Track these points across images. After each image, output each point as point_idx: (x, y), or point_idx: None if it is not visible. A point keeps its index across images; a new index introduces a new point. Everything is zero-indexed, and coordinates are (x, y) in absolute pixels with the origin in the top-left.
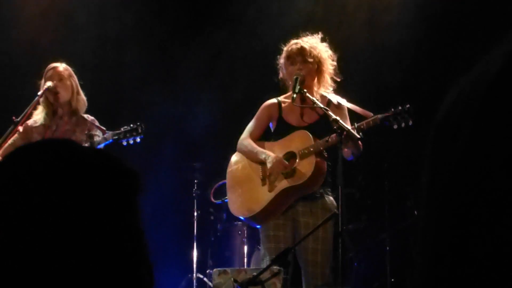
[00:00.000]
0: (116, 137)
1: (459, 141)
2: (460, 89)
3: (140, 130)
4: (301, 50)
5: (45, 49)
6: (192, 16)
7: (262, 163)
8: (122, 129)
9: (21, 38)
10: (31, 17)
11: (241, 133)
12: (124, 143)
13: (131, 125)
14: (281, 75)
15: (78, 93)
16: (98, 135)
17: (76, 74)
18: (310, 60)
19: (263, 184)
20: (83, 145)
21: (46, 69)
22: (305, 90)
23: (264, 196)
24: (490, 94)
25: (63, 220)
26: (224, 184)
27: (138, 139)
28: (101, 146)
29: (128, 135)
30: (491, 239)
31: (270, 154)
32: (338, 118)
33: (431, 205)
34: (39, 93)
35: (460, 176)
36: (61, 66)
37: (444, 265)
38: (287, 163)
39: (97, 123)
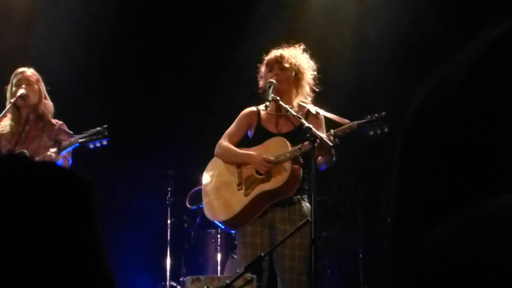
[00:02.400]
0: (82, 140)
1: (429, 143)
2: (430, 89)
3: (106, 133)
4: (280, 57)
5: (7, 54)
6: (171, 22)
7: (239, 167)
8: (88, 132)
9: None
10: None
11: (216, 140)
12: (91, 146)
13: (97, 128)
14: (261, 83)
15: (45, 97)
16: (64, 140)
17: (44, 79)
18: (287, 66)
19: (239, 189)
20: (50, 149)
21: (14, 73)
22: (278, 98)
23: (240, 200)
24: (462, 94)
25: (13, 236)
26: (200, 190)
27: (104, 142)
28: (69, 150)
29: (94, 137)
30: (457, 250)
31: (253, 153)
32: (311, 126)
33: (400, 209)
34: (12, 100)
35: (430, 179)
36: (29, 71)
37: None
38: (271, 159)
39: (65, 128)
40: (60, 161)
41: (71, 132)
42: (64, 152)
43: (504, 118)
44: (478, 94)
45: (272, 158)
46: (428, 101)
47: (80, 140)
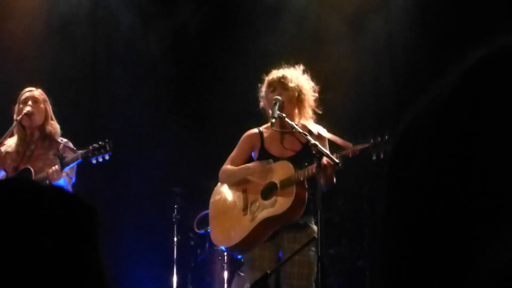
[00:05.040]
0: (85, 155)
1: (413, 165)
2: (417, 110)
3: (108, 148)
4: (282, 78)
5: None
6: (176, 43)
7: (244, 192)
8: (90, 147)
9: None
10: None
11: (222, 156)
12: (94, 161)
13: (99, 143)
14: (262, 104)
15: (51, 118)
16: (68, 156)
17: (51, 98)
18: (291, 86)
19: (244, 214)
20: (53, 167)
21: (21, 93)
22: (284, 115)
23: (245, 226)
24: (443, 115)
25: (19, 261)
26: (207, 214)
27: (107, 157)
28: (72, 165)
29: (96, 152)
30: (445, 266)
31: (252, 166)
32: (316, 142)
33: (387, 230)
34: (18, 117)
35: (413, 205)
36: (36, 91)
37: None
38: (269, 167)
39: (70, 145)
40: (63, 179)
41: (75, 149)
42: (67, 168)
43: (485, 136)
44: (459, 116)
45: (269, 160)
46: (414, 122)
47: (83, 156)
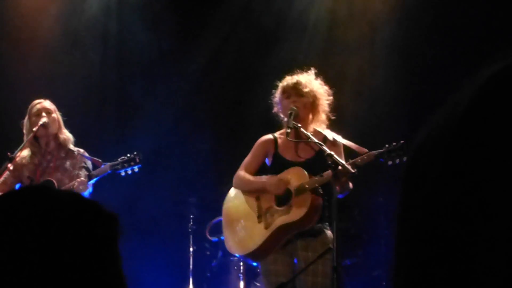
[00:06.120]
0: (114, 168)
1: (429, 178)
2: (432, 124)
3: (137, 160)
4: (297, 84)
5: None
6: (179, 46)
7: (258, 198)
8: (119, 159)
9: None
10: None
11: (237, 167)
12: (123, 173)
13: (128, 155)
14: (275, 109)
15: (63, 127)
16: (89, 167)
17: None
18: (306, 92)
19: (259, 221)
20: (78, 178)
21: (31, 105)
22: (299, 125)
23: (260, 233)
24: (460, 129)
25: (41, 269)
26: (220, 221)
27: (136, 169)
28: (100, 177)
29: (126, 165)
30: (459, 278)
31: (268, 179)
32: (332, 152)
33: (402, 239)
34: (34, 129)
35: (429, 214)
36: (45, 102)
37: None
38: (286, 179)
39: (86, 154)
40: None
41: (100, 160)
42: (94, 181)
43: (499, 149)
44: (475, 130)
45: (286, 179)
46: (430, 136)
47: (112, 168)
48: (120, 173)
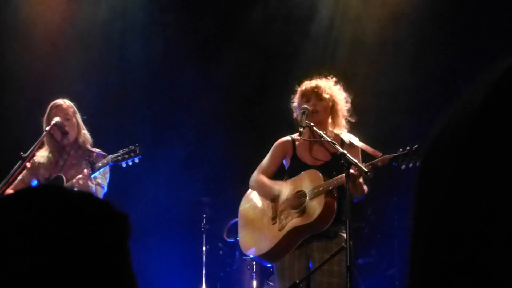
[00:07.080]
0: (115, 159)
1: (444, 176)
2: (446, 121)
3: (138, 151)
4: (316, 88)
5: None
6: (202, 52)
7: (273, 200)
8: (120, 151)
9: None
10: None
11: (250, 167)
12: (124, 165)
13: (129, 147)
14: (295, 115)
15: (83, 128)
16: (99, 164)
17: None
18: (325, 96)
19: (274, 223)
20: (84, 172)
21: (50, 106)
22: (312, 124)
23: (274, 235)
24: (475, 126)
25: (52, 268)
26: (237, 222)
27: (136, 160)
28: (102, 169)
29: (126, 156)
30: (474, 279)
31: (282, 189)
32: (345, 152)
33: (417, 241)
34: (47, 128)
35: (444, 213)
36: (65, 103)
37: None
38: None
39: (102, 152)
40: (93, 189)
41: (106, 154)
42: (98, 173)
43: None
44: (490, 127)
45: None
46: (444, 133)
47: (113, 160)
48: (121, 164)
